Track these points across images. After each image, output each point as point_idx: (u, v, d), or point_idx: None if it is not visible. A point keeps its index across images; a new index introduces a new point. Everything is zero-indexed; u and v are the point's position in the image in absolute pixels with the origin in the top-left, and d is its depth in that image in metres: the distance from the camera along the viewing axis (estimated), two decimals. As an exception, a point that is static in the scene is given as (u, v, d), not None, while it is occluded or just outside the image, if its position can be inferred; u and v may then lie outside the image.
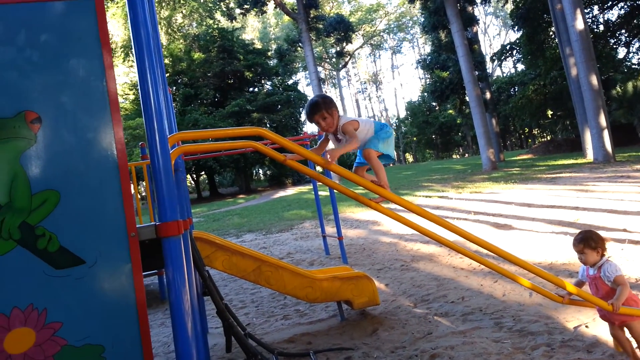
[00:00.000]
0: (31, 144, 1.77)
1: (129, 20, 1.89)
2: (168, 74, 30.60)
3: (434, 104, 46.92)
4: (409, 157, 63.39)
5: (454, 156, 54.42)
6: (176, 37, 32.37)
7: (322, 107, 2.75)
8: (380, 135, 2.91)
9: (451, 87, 25.28)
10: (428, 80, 39.27)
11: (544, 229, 6.46)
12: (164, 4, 31.86)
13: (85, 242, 1.80)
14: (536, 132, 49.43)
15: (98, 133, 1.84)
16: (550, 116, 33.73)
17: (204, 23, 32.69)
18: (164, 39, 31.93)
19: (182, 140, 2.39)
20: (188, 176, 33.53)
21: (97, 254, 1.81)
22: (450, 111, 44.14)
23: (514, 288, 4.10)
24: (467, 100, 22.37)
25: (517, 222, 7.35)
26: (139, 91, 1.90)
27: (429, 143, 54.66)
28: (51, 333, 1.75)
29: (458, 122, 46.35)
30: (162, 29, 31.98)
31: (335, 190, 5.35)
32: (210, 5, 31.39)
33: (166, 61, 31.05)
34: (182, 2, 32.27)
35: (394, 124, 67.31)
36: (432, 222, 2.69)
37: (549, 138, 40.63)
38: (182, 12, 32.93)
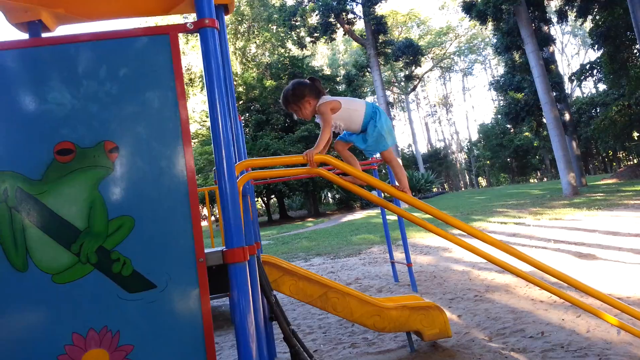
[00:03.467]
0: (109, 172, 1.87)
1: (201, 53, 1.97)
2: (241, 101, 31.89)
3: (508, 126, 45.20)
4: (482, 181, 61.13)
5: (531, 180, 51.74)
6: (250, 66, 33.77)
7: (289, 100, 2.63)
8: (380, 125, 2.67)
9: (527, 109, 24.21)
10: (501, 102, 37.96)
11: (633, 260, 5.91)
12: (239, 36, 33.48)
13: (156, 266, 1.85)
14: (621, 155, 46.02)
15: (170, 161, 1.90)
16: (636, 138, 31.30)
17: (276, 52, 33.88)
18: (238, 68, 33.46)
19: (250, 167, 2.43)
20: (259, 199, 34.45)
21: (168, 278, 1.85)
22: (526, 134, 42.26)
23: (600, 324, 3.74)
24: (545, 122, 21.30)
25: (602, 251, 6.79)
26: (209, 120, 1.96)
27: (504, 167, 52.48)
28: (124, 355, 1.80)
29: (535, 145, 44.22)
30: (236, 58, 33.55)
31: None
32: (282, 35, 32.53)
33: (240, 89, 32.42)
34: (256, 33, 33.75)
35: (466, 147, 65.50)
36: (503, 251, 2.51)
37: (635, 161, 37.64)
38: (255, 42, 34.40)
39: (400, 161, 2.56)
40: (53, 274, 1.81)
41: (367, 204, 33.79)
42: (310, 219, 28.85)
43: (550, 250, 7.49)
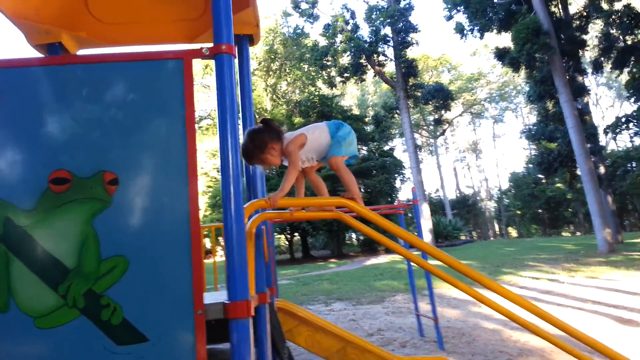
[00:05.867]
0: (106, 206, 1.68)
1: (215, 87, 1.80)
2: (270, 137, 32.07)
3: (540, 176, 44.19)
4: (512, 232, 59.47)
5: (564, 233, 50.00)
6: (280, 102, 34.26)
7: (251, 154, 2.38)
8: (339, 137, 2.48)
9: (560, 160, 23.55)
10: (533, 151, 37.30)
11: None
12: (271, 73, 34.17)
13: (149, 316, 1.62)
14: (658, 213, 44.20)
15: (173, 197, 1.70)
16: (674, 195, 30.02)
17: (306, 90, 34.34)
18: (268, 105, 33.96)
19: (262, 208, 2.21)
20: (282, 236, 34.20)
21: (161, 331, 1.61)
22: (559, 185, 41.18)
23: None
24: (579, 174, 20.64)
25: (647, 318, 6.23)
26: (219, 153, 1.75)
27: (535, 218, 50.95)
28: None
29: (568, 197, 42.93)
30: (267, 95, 34.11)
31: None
32: (313, 74, 33.03)
33: (269, 125, 32.71)
34: (287, 71, 34.38)
35: (496, 195, 64.26)
36: (532, 313, 2.18)
37: (676, 219, 36.04)
38: (287, 80, 35.00)
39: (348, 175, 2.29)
40: (35, 317, 1.60)
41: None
42: (333, 260, 28.31)
43: (587, 312, 6.94)
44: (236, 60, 2.94)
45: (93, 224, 1.66)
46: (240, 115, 2.87)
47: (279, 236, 38.40)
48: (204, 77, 32.86)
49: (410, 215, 29.57)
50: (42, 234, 1.65)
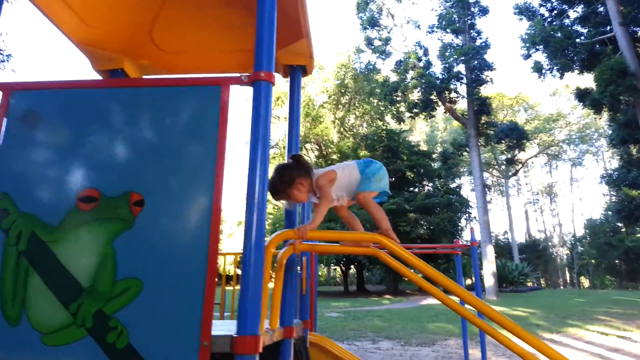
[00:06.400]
0: (128, 227, 1.67)
1: (250, 116, 1.77)
2: (335, 169, 32.37)
3: (619, 224, 40.98)
4: (584, 282, 55.28)
5: (642, 288, 45.78)
6: (347, 135, 34.49)
7: (280, 190, 2.33)
8: (368, 173, 2.40)
9: (642, 209, 21.80)
10: (613, 197, 34.82)
11: None
12: (340, 106, 34.62)
13: (154, 343, 1.57)
14: None
15: (195, 223, 1.67)
16: None
17: (374, 124, 34.38)
18: (335, 137, 34.30)
19: (290, 238, 2.13)
20: (337, 267, 33.87)
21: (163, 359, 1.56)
22: (640, 235, 37.96)
23: None
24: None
25: None
26: (247, 181, 1.71)
27: (611, 268, 47.11)
28: None
29: (649, 248, 39.41)
30: (335, 127, 34.49)
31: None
32: (382, 108, 33.06)
33: (335, 157, 33.04)
34: (356, 105, 34.69)
35: (569, 242, 60.26)
36: None
37: None
38: (355, 113, 35.28)
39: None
40: (44, 334, 1.60)
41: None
42: (387, 296, 27.58)
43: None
44: (288, 90, 2.96)
45: (114, 244, 1.66)
46: (286, 142, 2.86)
47: (335, 267, 38.19)
48: (274, 107, 33.94)
49: (467, 255, 28.36)
50: (64, 250, 1.67)
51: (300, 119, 2.86)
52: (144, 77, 3.06)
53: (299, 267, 4.41)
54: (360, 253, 2.36)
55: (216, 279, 1.63)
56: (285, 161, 2.50)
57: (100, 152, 1.75)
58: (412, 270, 2.17)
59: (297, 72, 2.86)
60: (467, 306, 2.73)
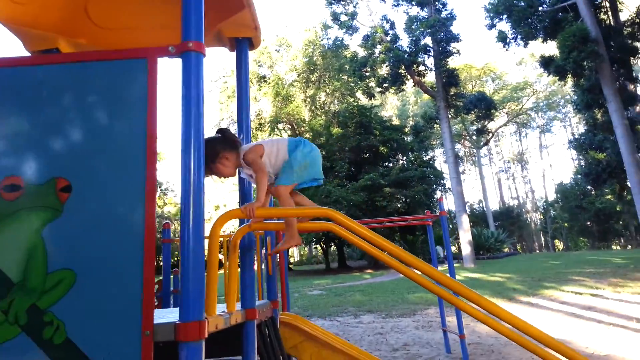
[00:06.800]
0: (57, 215, 1.57)
1: (181, 98, 1.66)
2: (308, 148, 32.22)
3: (589, 187, 42.20)
4: (559, 245, 57.00)
5: (614, 247, 47.42)
6: (318, 113, 34.31)
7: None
8: (295, 157, 2.27)
9: (609, 171, 22.35)
10: (581, 162, 35.74)
11: None
12: (310, 84, 34.31)
13: (94, 336, 1.49)
14: None
15: (128, 208, 1.57)
16: None
17: (345, 101, 34.25)
18: (307, 115, 34.07)
19: (237, 217, 2.06)
20: (317, 246, 34.02)
21: (105, 353, 1.48)
22: (609, 197, 39.17)
23: None
24: (629, 185, 19.51)
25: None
26: (180, 159, 1.61)
27: (583, 230, 48.63)
28: None
29: (618, 209, 40.76)
30: (306, 106, 34.22)
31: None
32: (352, 84, 32.91)
33: (307, 135, 32.87)
34: (326, 82, 34.44)
35: (542, 207, 61.87)
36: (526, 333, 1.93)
37: None
38: (325, 91, 35.05)
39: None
40: (-27, 334, 1.50)
41: (429, 259, 32.31)
42: (368, 271, 27.91)
43: (631, 331, 6.41)
44: (234, 65, 2.84)
45: (42, 234, 1.55)
46: (236, 121, 2.75)
47: (315, 246, 38.34)
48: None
49: (451, 226, 28.78)
50: (-11, 244, 1.56)
51: (249, 94, 2.75)
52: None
53: (264, 249, 4.36)
54: (315, 230, 2.30)
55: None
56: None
57: (21, 136, 1.63)
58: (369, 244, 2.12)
59: (243, 45, 2.74)
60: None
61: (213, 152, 2.23)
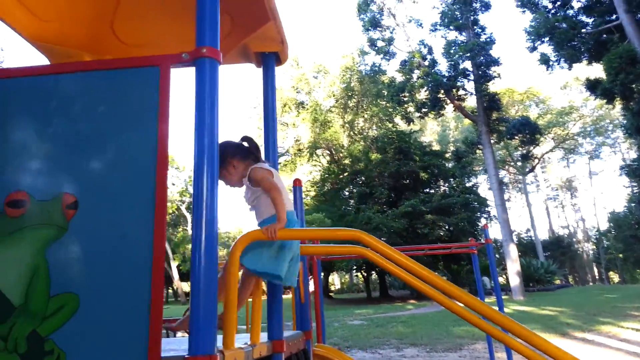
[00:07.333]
0: (62, 233, 1.45)
1: (193, 125, 1.53)
2: (347, 173, 32.10)
3: (644, 216, 39.87)
4: (614, 277, 53.80)
5: (675, 280, 44.32)
6: (357, 139, 34.23)
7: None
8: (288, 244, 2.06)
9: (666, 197, 21.07)
10: (635, 189, 33.94)
11: None
12: (348, 110, 34.44)
13: (96, 369, 1.35)
14: None
15: (136, 227, 1.44)
16: None
17: (383, 126, 34.07)
18: (345, 141, 34.05)
19: (259, 239, 1.89)
20: (359, 274, 33.41)
21: (107, 389, 1.33)
22: (668, 225, 36.83)
23: None
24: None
25: None
26: (193, 175, 1.48)
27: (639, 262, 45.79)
28: None
29: (679, 239, 38.22)
30: (344, 132, 34.25)
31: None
32: (390, 110, 32.74)
33: (346, 161, 32.79)
34: (364, 107, 34.47)
35: (594, 237, 58.83)
36: None
37: None
38: (364, 116, 35.03)
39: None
40: (-32, 363, 1.39)
41: (475, 291, 31.08)
42: (411, 301, 27.10)
43: None
44: (260, 80, 2.74)
45: (46, 254, 1.44)
46: (263, 138, 2.63)
47: (356, 274, 37.69)
48: (282, 115, 33.86)
49: (498, 256, 27.68)
50: (-10, 264, 1.46)
51: (276, 112, 2.63)
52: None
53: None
54: (346, 254, 2.12)
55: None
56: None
57: (29, 149, 1.54)
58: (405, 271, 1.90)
59: (270, 60, 2.65)
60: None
61: (223, 156, 2.10)
